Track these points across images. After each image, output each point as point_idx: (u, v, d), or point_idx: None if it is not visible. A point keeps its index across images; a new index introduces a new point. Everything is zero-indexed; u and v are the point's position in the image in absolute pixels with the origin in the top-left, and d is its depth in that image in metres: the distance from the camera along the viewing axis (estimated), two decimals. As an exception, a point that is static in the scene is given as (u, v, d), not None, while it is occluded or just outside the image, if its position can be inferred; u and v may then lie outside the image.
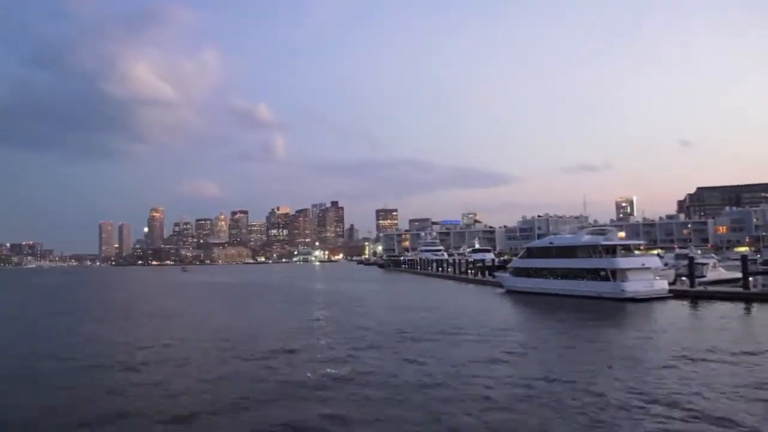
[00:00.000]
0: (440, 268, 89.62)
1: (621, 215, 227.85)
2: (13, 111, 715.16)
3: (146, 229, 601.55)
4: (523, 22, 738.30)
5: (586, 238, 44.89)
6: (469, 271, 74.64)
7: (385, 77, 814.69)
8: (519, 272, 49.51)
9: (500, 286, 54.76)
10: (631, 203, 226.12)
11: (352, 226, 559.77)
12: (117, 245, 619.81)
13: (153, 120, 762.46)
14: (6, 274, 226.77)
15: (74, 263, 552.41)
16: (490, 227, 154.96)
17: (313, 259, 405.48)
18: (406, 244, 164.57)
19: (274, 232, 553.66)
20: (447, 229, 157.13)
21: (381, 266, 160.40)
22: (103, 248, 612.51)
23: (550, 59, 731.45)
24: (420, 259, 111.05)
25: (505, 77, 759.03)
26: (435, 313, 35.85)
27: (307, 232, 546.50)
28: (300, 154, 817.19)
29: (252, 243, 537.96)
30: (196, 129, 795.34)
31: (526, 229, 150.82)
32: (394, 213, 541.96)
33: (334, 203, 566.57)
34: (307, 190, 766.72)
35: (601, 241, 43.02)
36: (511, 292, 49.66)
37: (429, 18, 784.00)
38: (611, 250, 42.56)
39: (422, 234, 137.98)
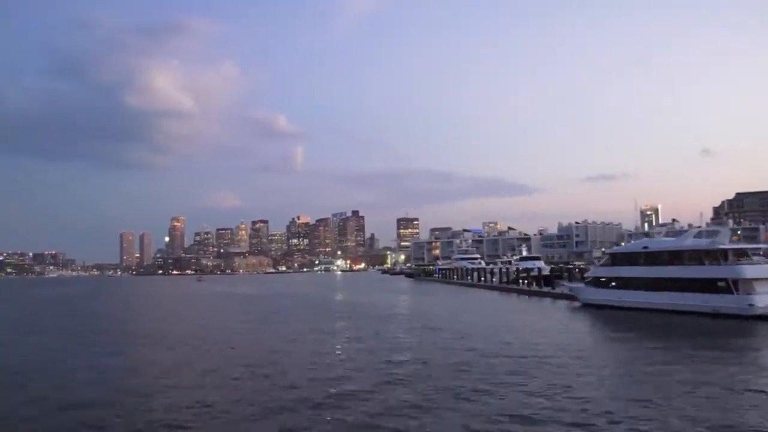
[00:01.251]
0: (482, 278, 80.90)
1: (646, 223, 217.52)
2: (35, 123, 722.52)
3: (167, 239, 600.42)
4: (545, 33, 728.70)
5: (692, 241, 36.09)
6: (521, 281, 65.85)
7: (404, 88, 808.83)
8: (600, 283, 40.71)
9: (566, 297, 46.24)
10: (656, 211, 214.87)
11: (372, 235, 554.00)
12: (138, 255, 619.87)
13: (173, 131, 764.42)
14: (18, 284, 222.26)
15: (96, 273, 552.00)
16: (525, 234, 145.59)
17: (334, 268, 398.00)
18: (437, 252, 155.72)
19: (294, 241, 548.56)
20: (480, 236, 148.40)
21: (409, 276, 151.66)
22: (125, 258, 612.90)
23: (570, 70, 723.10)
24: (456, 268, 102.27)
25: (525, 88, 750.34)
26: (501, 335, 27.60)
27: (327, 241, 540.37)
28: (319, 165, 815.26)
29: (273, 252, 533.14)
30: (216, 140, 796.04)
31: (563, 236, 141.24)
32: (415, 222, 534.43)
33: (355, 212, 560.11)
34: (327, 200, 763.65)
35: (717, 244, 34.19)
36: (588, 307, 41.03)
37: (449, 29, 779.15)
38: (730, 255, 33.72)
39: (457, 242, 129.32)
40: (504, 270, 76.76)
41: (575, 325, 32.94)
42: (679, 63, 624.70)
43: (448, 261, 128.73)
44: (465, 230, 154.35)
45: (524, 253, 75.88)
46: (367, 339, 28.13)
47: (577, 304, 43.37)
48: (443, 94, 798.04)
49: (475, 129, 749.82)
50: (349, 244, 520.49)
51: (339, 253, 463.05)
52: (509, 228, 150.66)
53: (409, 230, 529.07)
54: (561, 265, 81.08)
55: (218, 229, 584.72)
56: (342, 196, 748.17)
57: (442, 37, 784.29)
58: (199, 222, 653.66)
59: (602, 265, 42.21)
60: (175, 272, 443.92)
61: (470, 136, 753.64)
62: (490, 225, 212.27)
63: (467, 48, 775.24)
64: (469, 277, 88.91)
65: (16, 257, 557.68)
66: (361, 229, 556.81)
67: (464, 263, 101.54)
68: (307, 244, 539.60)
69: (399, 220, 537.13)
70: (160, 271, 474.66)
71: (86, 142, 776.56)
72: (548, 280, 61.13)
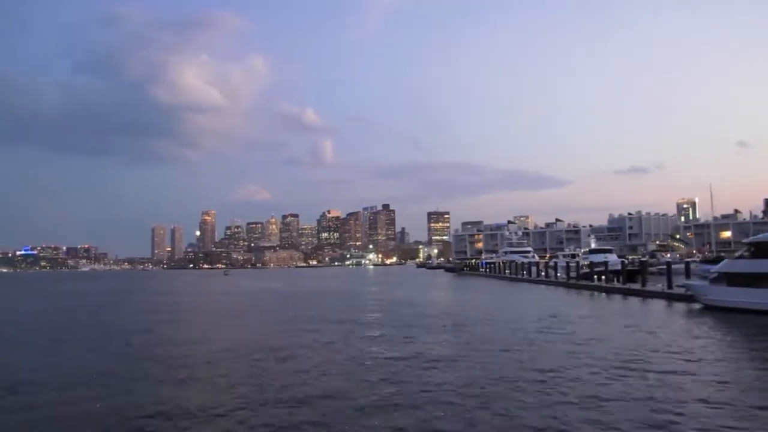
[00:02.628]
0: (543, 273, 72.13)
1: (683, 217, 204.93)
2: (66, 118, 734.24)
3: (198, 233, 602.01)
4: (577, 27, 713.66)
5: None
6: (596, 277, 57.01)
7: (433, 81, 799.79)
8: (734, 280, 31.91)
9: (677, 299, 37.61)
10: (693, 205, 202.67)
11: (403, 229, 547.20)
12: (169, 249, 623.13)
13: (202, 126, 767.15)
14: (48, 277, 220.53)
15: (127, 266, 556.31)
16: (575, 226, 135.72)
17: (366, 262, 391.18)
18: (479, 245, 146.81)
19: (325, 235, 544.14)
20: (526, 228, 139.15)
21: (449, 270, 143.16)
22: (156, 251, 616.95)
23: (601, 62, 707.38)
24: (506, 262, 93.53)
25: (555, 80, 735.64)
26: (626, 352, 19.31)
27: (358, 235, 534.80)
28: (348, 158, 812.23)
29: (303, 246, 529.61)
30: (245, 134, 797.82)
31: (615, 228, 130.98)
32: (446, 216, 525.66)
33: (386, 206, 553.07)
34: (357, 193, 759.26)
35: None
36: (712, 310, 32.41)
37: (479, 22, 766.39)
38: None
39: (505, 234, 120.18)
40: (570, 264, 68.09)
41: (721, 338, 24.38)
42: (713, 55, 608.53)
43: (492, 255, 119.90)
44: (510, 222, 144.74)
45: (592, 245, 66.48)
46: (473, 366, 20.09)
47: (689, 306, 34.86)
48: (472, 87, 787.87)
49: (504, 121, 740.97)
50: (379, 238, 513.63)
51: (371, 247, 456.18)
52: (557, 220, 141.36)
53: (440, 224, 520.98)
54: (639, 258, 72.03)
55: (248, 223, 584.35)
56: (371, 189, 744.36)
57: (471, 30, 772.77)
58: (230, 216, 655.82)
59: (739, 258, 33.37)
60: (206, 266, 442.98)
61: (500, 128, 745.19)
62: (521, 219, 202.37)
63: (496, 41, 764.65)
64: (524, 272, 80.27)
65: (51, 251, 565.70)
66: (391, 223, 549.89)
67: (516, 257, 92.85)
68: (337, 238, 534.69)
69: (430, 214, 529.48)
70: (191, 265, 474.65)
71: (118, 136, 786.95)
72: (633, 276, 52.27)
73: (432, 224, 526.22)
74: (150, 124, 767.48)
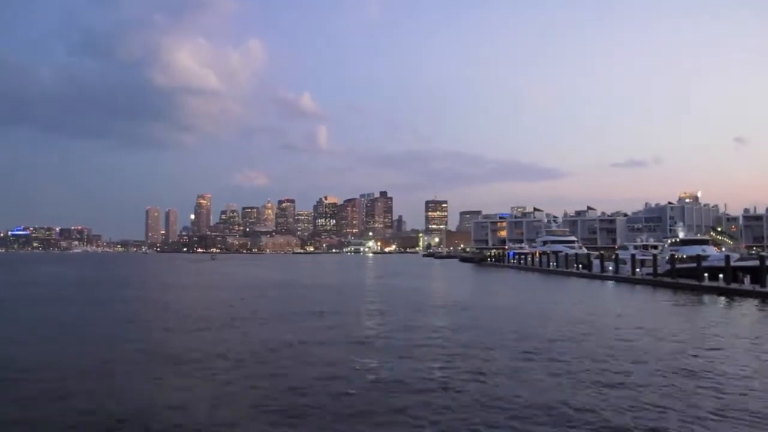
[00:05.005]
0: (610, 268, 58.81)
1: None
2: (62, 100, 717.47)
3: (193, 216, 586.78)
4: (577, 20, 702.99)
5: None
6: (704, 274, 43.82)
7: (431, 70, 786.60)
8: None
9: None
10: (696, 199, 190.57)
11: (400, 217, 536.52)
12: (163, 231, 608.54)
13: (199, 109, 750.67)
14: (31, 259, 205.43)
15: (120, 249, 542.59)
16: (609, 216, 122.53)
17: (366, 250, 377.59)
18: (503, 234, 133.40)
19: (321, 221, 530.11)
20: (555, 217, 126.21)
21: (466, 260, 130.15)
22: (150, 234, 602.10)
23: (601, 56, 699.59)
24: (547, 253, 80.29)
25: (555, 72, 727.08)
26: None
27: (355, 222, 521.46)
28: (344, 145, 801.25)
29: (299, 232, 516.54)
30: (241, 118, 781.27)
31: (653, 218, 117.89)
32: (444, 205, 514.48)
33: (383, 193, 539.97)
34: (353, 180, 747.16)
35: None
36: None
37: (479, 13, 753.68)
38: None
39: (544, 221, 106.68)
40: (645, 258, 55.03)
41: None
42: (711, 51, 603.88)
43: (522, 245, 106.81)
44: (537, 209, 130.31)
45: (681, 235, 53.53)
46: None
47: None
48: (471, 78, 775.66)
49: (503, 112, 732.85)
50: (376, 225, 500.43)
51: (371, 234, 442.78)
52: (588, 207, 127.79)
53: (438, 213, 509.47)
54: (758, 253, 59.05)
55: (244, 208, 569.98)
56: (368, 177, 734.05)
57: (469, 19, 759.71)
58: (225, 200, 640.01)
59: None
60: (200, 250, 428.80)
61: (499, 119, 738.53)
62: (519, 209, 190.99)
63: (496, 31, 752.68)
64: (579, 265, 67.17)
65: (44, 232, 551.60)
66: (389, 210, 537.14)
67: (559, 247, 79.69)
68: (333, 225, 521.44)
69: (428, 203, 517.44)
70: (185, 249, 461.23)
71: (113, 119, 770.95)
72: (758, 275, 39.27)
73: (429, 213, 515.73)
74: (146, 107, 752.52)
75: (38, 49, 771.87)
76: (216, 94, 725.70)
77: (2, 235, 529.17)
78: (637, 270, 53.41)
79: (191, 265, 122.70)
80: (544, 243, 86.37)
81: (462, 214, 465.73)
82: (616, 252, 56.41)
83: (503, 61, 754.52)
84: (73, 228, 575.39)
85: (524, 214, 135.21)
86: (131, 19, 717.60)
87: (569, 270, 68.28)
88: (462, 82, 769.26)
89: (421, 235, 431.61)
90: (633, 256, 54.93)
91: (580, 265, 66.95)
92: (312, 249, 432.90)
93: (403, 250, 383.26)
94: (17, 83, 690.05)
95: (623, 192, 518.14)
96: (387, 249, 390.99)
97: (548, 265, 75.63)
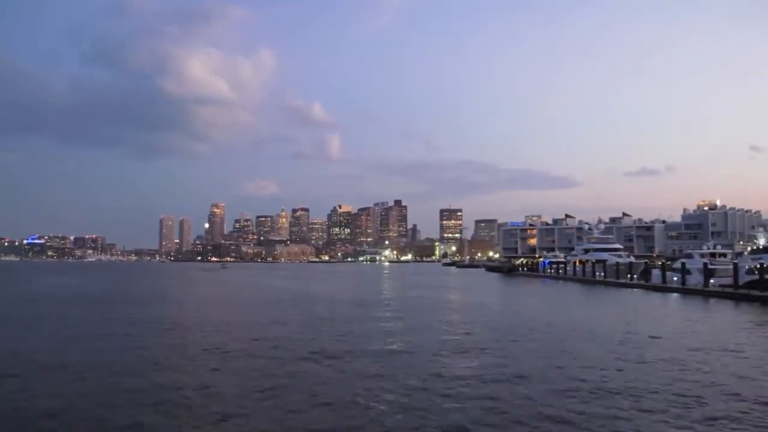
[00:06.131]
0: (675, 279, 52.05)
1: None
2: (75, 109, 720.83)
3: (207, 225, 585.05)
4: (588, 26, 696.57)
5: None
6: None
7: (441, 79, 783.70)
8: None
9: None
10: (714, 208, 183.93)
11: (414, 226, 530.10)
12: (177, 240, 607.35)
13: (211, 119, 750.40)
14: (43, 267, 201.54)
15: (134, 258, 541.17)
16: (646, 223, 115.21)
17: (382, 259, 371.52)
18: (533, 242, 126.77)
19: (335, 230, 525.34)
20: (587, 223, 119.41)
21: (493, 270, 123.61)
22: (164, 243, 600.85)
23: (614, 65, 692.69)
24: (591, 261, 73.76)
25: (567, 81, 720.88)
26: None
27: (369, 231, 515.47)
28: (356, 154, 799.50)
29: (314, 241, 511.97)
30: (253, 127, 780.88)
31: (694, 225, 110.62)
32: (459, 213, 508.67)
33: (397, 202, 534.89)
34: (365, 189, 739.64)
35: None
36: None
37: (491, 22, 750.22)
38: None
39: (585, 228, 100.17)
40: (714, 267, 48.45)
41: None
42: (726, 59, 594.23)
43: (557, 253, 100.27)
44: (568, 215, 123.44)
45: (762, 242, 47.47)
46: None
47: None
48: (482, 86, 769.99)
49: (515, 121, 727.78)
50: (391, 234, 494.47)
51: (387, 243, 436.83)
52: (624, 214, 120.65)
53: (453, 221, 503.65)
54: None
55: (258, 217, 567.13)
56: (380, 185, 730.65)
57: (482, 28, 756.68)
58: (239, 209, 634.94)
59: None
60: (214, 259, 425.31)
61: (510, 128, 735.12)
62: (533, 218, 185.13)
63: (508, 41, 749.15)
64: (632, 275, 60.63)
65: (58, 240, 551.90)
66: (403, 219, 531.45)
67: (604, 255, 73.12)
68: (348, 234, 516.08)
69: (442, 211, 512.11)
70: (199, 258, 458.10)
71: (126, 128, 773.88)
72: None
73: (444, 221, 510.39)
74: (158, 117, 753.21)
75: (51, 58, 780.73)
76: (227, 104, 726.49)
77: (17, 243, 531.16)
78: (711, 281, 46.89)
79: (203, 275, 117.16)
80: (586, 251, 79.78)
81: (477, 222, 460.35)
82: (682, 261, 49.90)
83: (515, 70, 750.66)
84: (87, 237, 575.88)
85: (555, 221, 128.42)
86: (142, 29, 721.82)
87: (620, 281, 61.64)
88: (474, 91, 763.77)
89: (437, 244, 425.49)
90: (705, 264, 48.33)
91: (635, 276, 60.50)
92: (327, 258, 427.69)
93: (419, 258, 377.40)
94: (31, 92, 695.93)
95: (636, 200, 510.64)
96: (403, 258, 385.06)
97: (593, 275, 69.02)
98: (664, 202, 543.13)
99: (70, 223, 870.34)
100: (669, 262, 61.19)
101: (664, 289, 52.01)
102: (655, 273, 56.13)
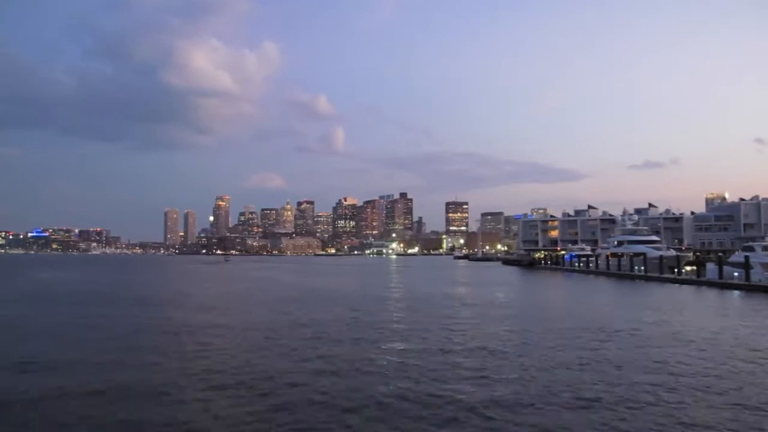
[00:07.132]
0: (735, 274, 47.20)
1: None
2: (79, 103, 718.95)
3: (211, 218, 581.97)
4: (594, 19, 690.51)
5: None
6: None
7: (446, 72, 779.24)
8: None
9: None
10: (723, 200, 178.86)
11: (420, 218, 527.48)
12: (182, 233, 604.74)
13: (215, 112, 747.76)
14: (42, 260, 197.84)
15: (139, 251, 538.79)
16: (674, 214, 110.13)
17: (390, 252, 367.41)
18: (554, 233, 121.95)
19: (341, 223, 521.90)
20: (610, 215, 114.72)
21: (510, 263, 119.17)
22: (169, 236, 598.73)
23: (618, 58, 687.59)
24: (626, 255, 69.13)
25: (571, 75, 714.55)
26: None
27: (375, 224, 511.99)
28: (360, 147, 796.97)
29: (319, 234, 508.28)
30: (257, 120, 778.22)
31: (724, 216, 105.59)
32: (465, 206, 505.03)
33: (403, 195, 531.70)
34: (370, 182, 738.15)
35: None
36: None
37: (496, 15, 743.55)
38: None
39: (618, 219, 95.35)
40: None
41: None
42: (730, 52, 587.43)
43: (583, 245, 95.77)
44: (591, 207, 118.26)
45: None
46: None
47: None
48: (487, 79, 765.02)
49: (519, 114, 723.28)
50: (397, 227, 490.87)
51: (393, 235, 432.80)
52: (650, 205, 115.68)
53: (459, 214, 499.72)
54: None
55: (263, 209, 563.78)
56: (384, 178, 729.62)
57: (486, 21, 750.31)
58: (244, 202, 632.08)
59: None
60: (219, 252, 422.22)
61: (514, 121, 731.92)
62: (539, 211, 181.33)
63: (513, 33, 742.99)
64: (678, 270, 56.00)
65: (62, 233, 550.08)
66: (409, 212, 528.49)
67: (641, 248, 68.39)
68: (353, 226, 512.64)
69: (448, 204, 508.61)
70: (204, 251, 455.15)
71: (130, 121, 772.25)
72: None
73: (450, 214, 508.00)
74: (162, 109, 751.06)
75: (54, 52, 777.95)
76: (231, 96, 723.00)
77: (21, 236, 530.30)
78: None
79: (207, 269, 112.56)
80: (619, 243, 75.00)
81: (483, 215, 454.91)
82: (746, 255, 45.23)
83: (520, 63, 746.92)
84: (92, 230, 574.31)
85: (578, 212, 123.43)
86: (145, 21, 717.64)
87: (664, 275, 56.94)
88: (479, 84, 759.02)
89: (444, 236, 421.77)
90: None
91: (683, 270, 55.92)
92: (333, 251, 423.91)
93: (426, 251, 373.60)
94: (35, 87, 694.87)
95: (641, 193, 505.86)
96: (410, 251, 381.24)
97: (631, 269, 64.33)
98: (670, 194, 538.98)
99: (74, 216, 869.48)
100: (708, 255, 56.57)
101: (723, 285, 47.34)
102: (710, 267, 51.45)
